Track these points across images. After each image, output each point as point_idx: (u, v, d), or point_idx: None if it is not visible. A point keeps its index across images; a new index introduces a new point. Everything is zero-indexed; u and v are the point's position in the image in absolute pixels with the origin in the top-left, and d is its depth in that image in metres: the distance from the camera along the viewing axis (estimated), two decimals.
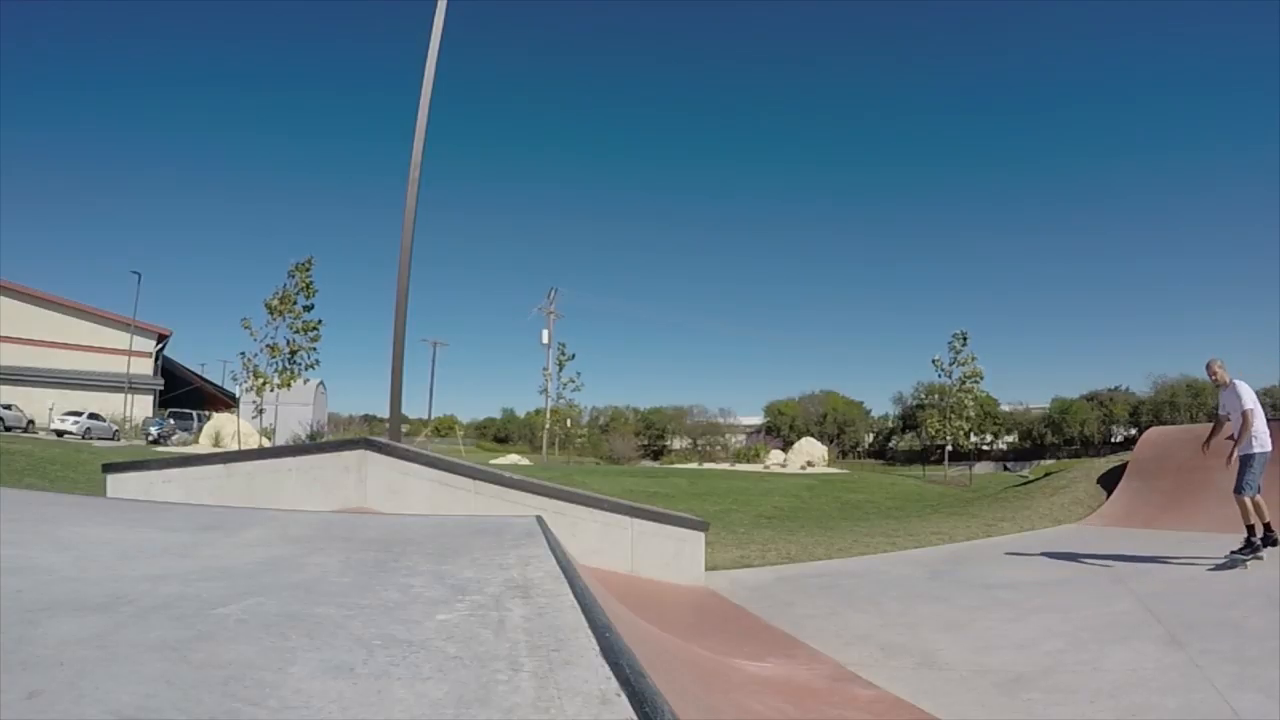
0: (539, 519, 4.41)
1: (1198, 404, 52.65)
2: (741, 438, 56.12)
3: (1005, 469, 45.35)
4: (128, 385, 37.86)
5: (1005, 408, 60.21)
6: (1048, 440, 58.80)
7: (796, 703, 3.10)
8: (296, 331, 21.57)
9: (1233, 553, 6.01)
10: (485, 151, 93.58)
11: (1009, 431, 62.02)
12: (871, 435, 70.79)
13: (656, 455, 57.15)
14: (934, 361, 28.33)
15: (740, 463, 34.42)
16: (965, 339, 27.83)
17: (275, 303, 21.38)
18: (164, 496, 5.56)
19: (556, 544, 3.38)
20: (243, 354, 21.51)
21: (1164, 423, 35.20)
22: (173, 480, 5.89)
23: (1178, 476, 10.07)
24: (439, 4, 9.11)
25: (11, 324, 36.27)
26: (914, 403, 56.80)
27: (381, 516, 5.01)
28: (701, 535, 6.10)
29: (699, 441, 58.96)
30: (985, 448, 58.02)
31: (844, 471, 28.99)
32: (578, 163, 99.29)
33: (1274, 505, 7.88)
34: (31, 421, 30.57)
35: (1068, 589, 5.66)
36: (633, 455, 52.60)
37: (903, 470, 38.20)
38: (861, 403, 69.78)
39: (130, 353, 38.73)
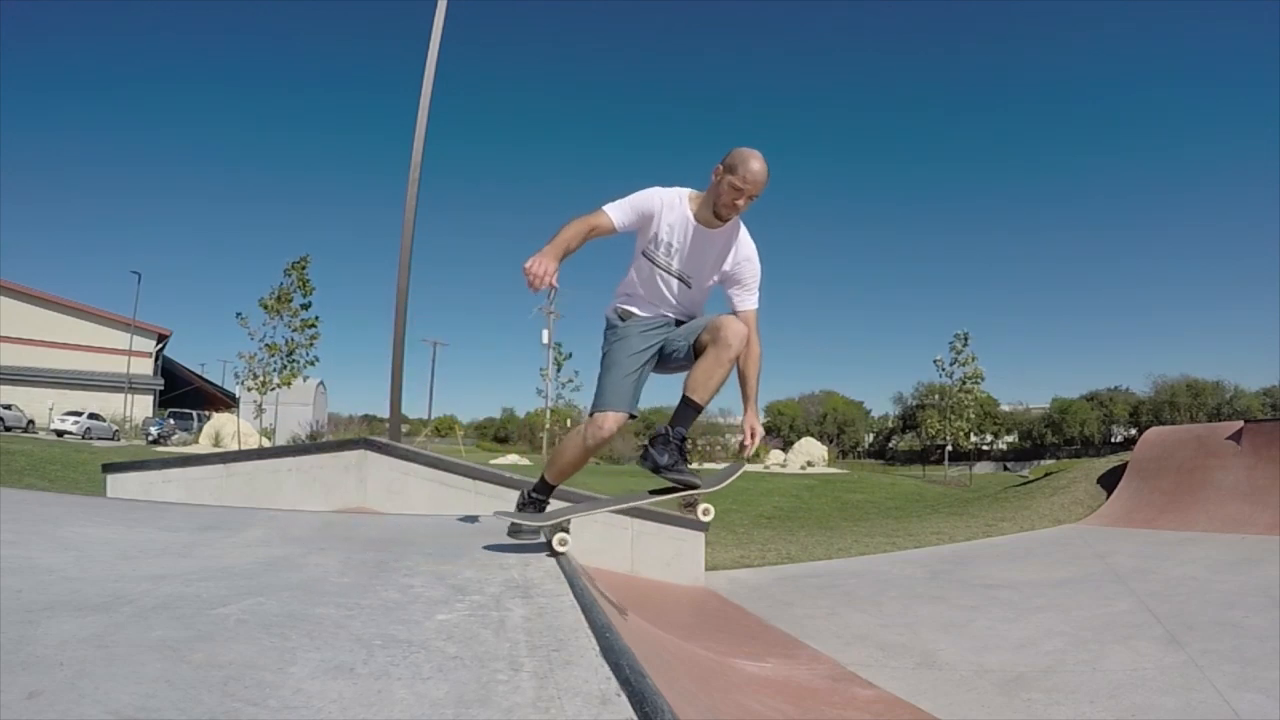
0: None
1: (1198, 404, 52.64)
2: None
3: (1005, 469, 45.35)
4: (128, 385, 37.86)
5: (1005, 408, 60.20)
6: (1048, 440, 58.79)
7: (796, 703, 3.10)
8: (295, 330, 21.60)
9: None
10: (485, 151, 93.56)
11: (1009, 431, 62.04)
12: (871, 435, 70.78)
13: None
14: (935, 361, 28.40)
15: None
16: (966, 339, 27.89)
17: (271, 301, 21.39)
18: (164, 496, 5.55)
19: None
20: (241, 354, 21.55)
21: (1164, 423, 35.19)
22: (173, 480, 5.89)
23: (1178, 477, 10.07)
24: (439, 4, 9.11)
25: (11, 324, 36.27)
26: (914, 403, 56.77)
27: (381, 516, 5.01)
28: (701, 535, 6.11)
29: (698, 441, 58.93)
30: (985, 448, 58.04)
31: (844, 471, 28.99)
32: (578, 161, 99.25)
33: (1274, 506, 7.86)
34: (31, 421, 30.57)
35: (1068, 589, 5.66)
36: (633, 455, 52.55)
37: (903, 470, 38.19)
38: (861, 403, 69.82)
39: (130, 353, 38.73)
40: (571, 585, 2.27)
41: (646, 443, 2.70)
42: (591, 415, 2.66)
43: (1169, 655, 3.74)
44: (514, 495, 5.66)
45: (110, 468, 6.22)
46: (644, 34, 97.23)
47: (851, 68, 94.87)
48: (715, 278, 2.76)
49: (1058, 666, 3.66)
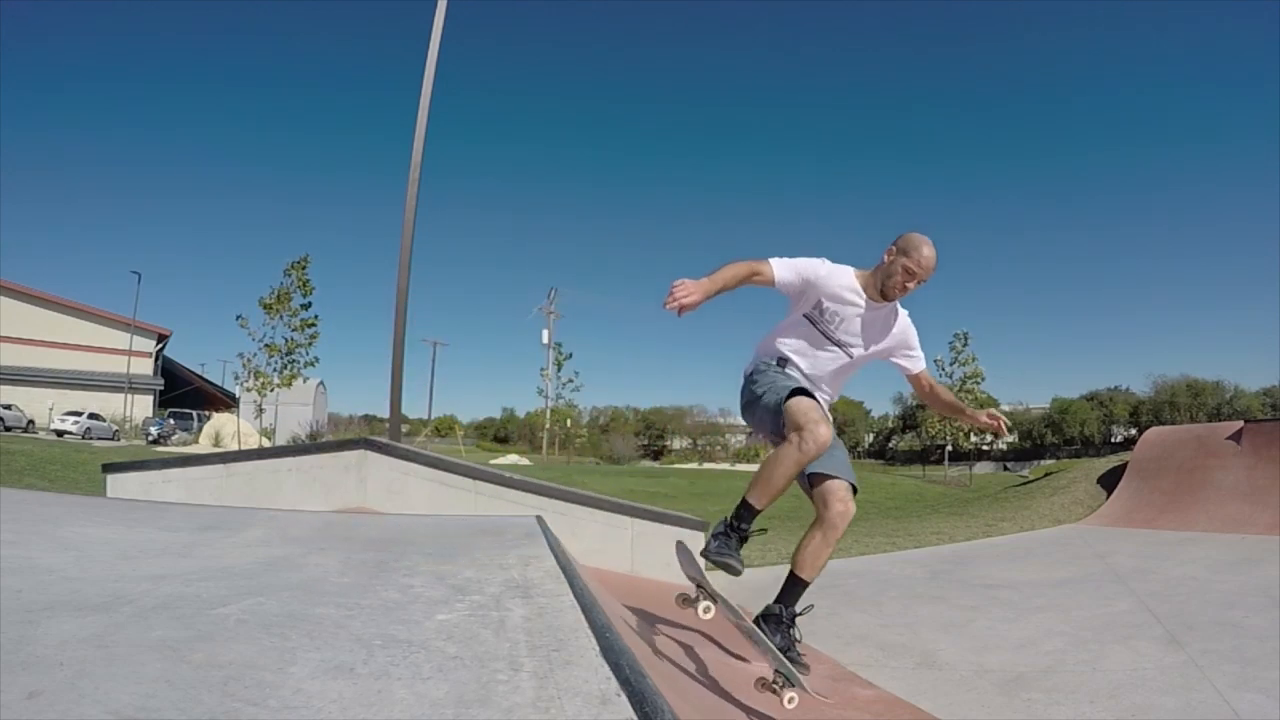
0: (539, 519, 4.41)
1: (1198, 404, 52.64)
2: (741, 438, 56.13)
3: (1005, 469, 45.38)
4: (128, 385, 37.87)
5: (1005, 408, 60.04)
6: (1048, 440, 58.78)
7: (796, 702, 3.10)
8: (294, 330, 21.60)
9: None
10: (485, 151, 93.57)
11: (1009, 431, 61.98)
12: (871, 435, 70.77)
13: (656, 455, 57.12)
14: (935, 361, 28.40)
15: (740, 463, 34.46)
16: (966, 339, 27.94)
17: (271, 301, 21.39)
18: (164, 496, 5.55)
19: (556, 544, 3.38)
20: (241, 354, 21.56)
21: (1164, 423, 35.18)
22: (173, 480, 5.89)
23: (1178, 476, 10.07)
24: (439, 4, 9.11)
25: (11, 324, 36.27)
26: (914, 403, 56.77)
27: (381, 516, 5.01)
28: (701, 535, 6.10)
29: (699, 441, 58.94)
30: (985, 448, 58.00)
31: None
32: (578, 162, 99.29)
33: (1274, 506, 7.85)
34: (31, 421, 30.58)
35: (1068, 589, 5.66)
36: (633, 455, 52.59)
37: (903, 470, 38.20)
38: (861, 403, 69.78)
39: (130, 353, 38.73)
40: (571, 585, 2.27)
41: (759, 616, 2.67)
42: (788, 409, 2.50)
43: (1169, 655, 3.74)
44: (513, 495, 5.69)
45: (110, 468, 6.22)
46: (644, 34, 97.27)
47: (850, 67, 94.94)
48: (873, 352, 2.81)
49: (1058, 666, 3.66)
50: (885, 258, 2.71)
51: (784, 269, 2.68)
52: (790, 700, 2.59)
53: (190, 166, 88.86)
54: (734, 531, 2.70)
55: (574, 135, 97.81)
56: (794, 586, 2.65)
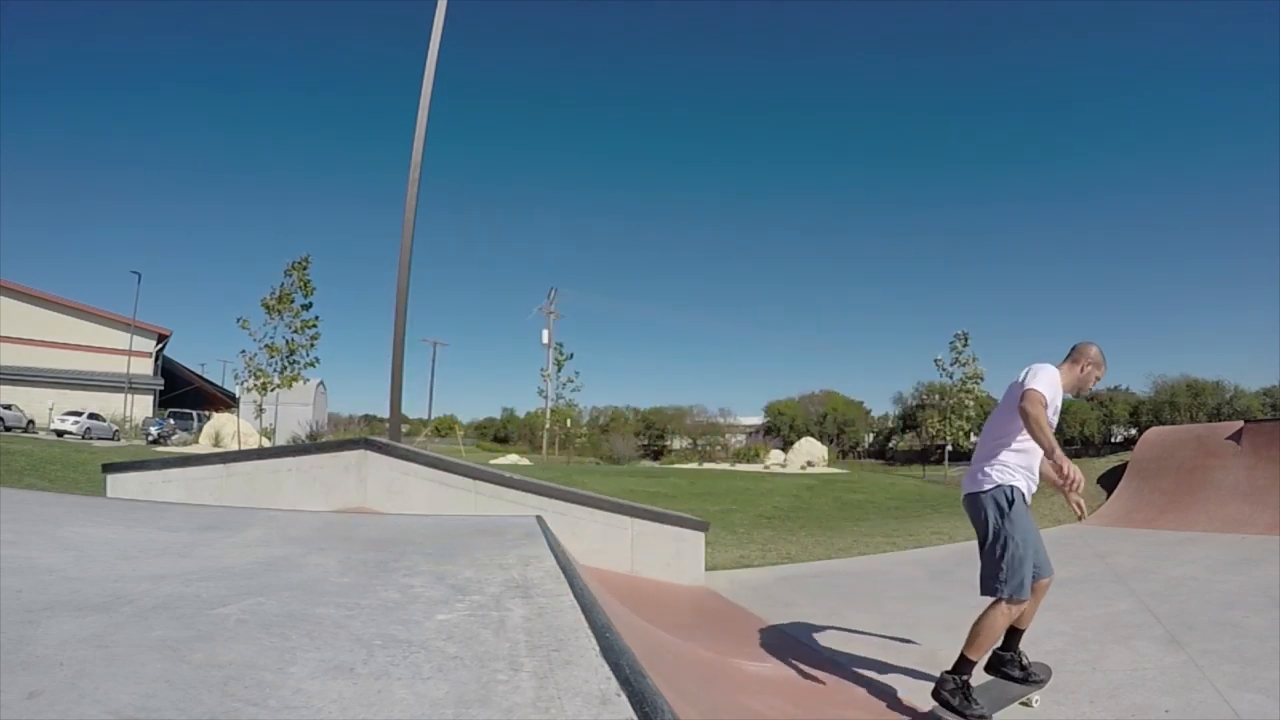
0: (539, 519, 4.41)
1: (1198, 404, 52.54)
2: (741, 438, 56.09)
3: None
4: (128, 385, 37.87)
5: None
6: None
7: (796, 703, 3.10)
8: (295, 330, 21.58)
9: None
10: (485, 151, 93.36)
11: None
12: (872, 435, 70.65)
13: (656, 455, 57.04)
14: (936, 361, 28.36)
15: (740, 463, 34.40)
16: (966, 339, 27.86)
17: (272, 302, 21.39)
18: (164, 496, 5.56)
19: (556, 544, 3.39)
20: (243, 352, 21.55)
21: (1164, 423, 35.11)
22: (173, 480, 5.89)
23: (1178, 476, 10.07)
24: (439, 4, 9.11)
25: (11, 324, 36.28)
26: (914, 403, 56.76)
27: (381, 516, 5.01)
28: (701, 535, 6.10)
29: (699, 441, 58.79)
30: None
31: (844, 471, 28.96)
32: (578, 163, 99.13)
33: (1274, 506, 7.83)
34: (31, 421, 30.56)
35: (1068, 589, 5.66)
36: (633, 455, 52.53)
37: (903, 470, 38.16)
38: (861, 403, 69.65)
39: (130, 353, 38.74)
40: (571, 585, 2.27)
41: (992, 664, 3.28)
42: (1010, 599, 3.06)
43: (1169, 655, 3.74)
44: (513, 495, 5.70)
45: (110, 468, 6.22)
46: (645, 37, 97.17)
47: (850, 70, 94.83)
48: None
49: (1058, 666, 3.66)
50: (1082, 365, 3.51)
51: (1051, 392, 3.28)
52: (1036, 701, 3.23)
53: (190, 166, 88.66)
54: (964, 686, 3.04)
55: (574, 136, 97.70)
56: (1014, 635, 3.31)
